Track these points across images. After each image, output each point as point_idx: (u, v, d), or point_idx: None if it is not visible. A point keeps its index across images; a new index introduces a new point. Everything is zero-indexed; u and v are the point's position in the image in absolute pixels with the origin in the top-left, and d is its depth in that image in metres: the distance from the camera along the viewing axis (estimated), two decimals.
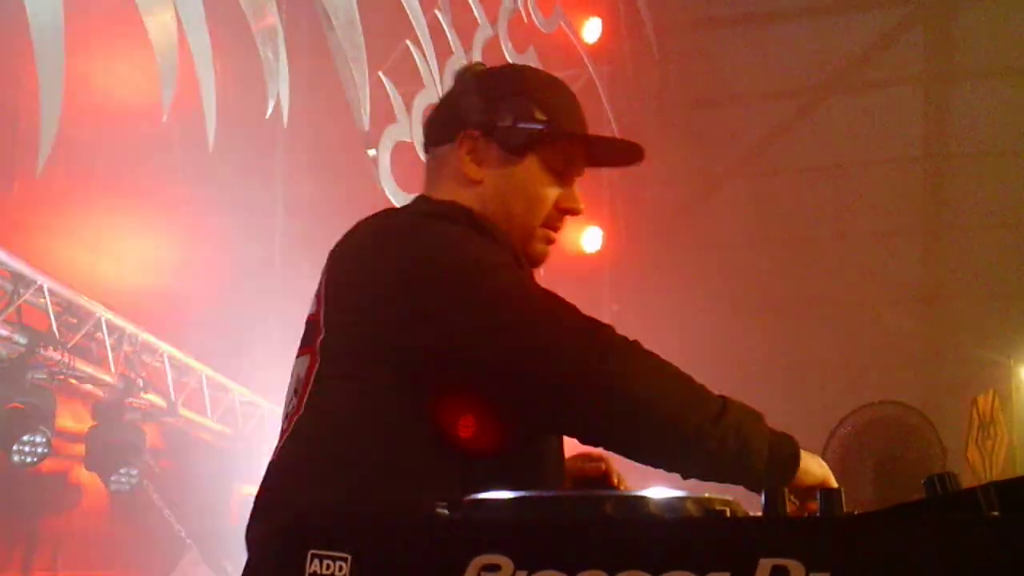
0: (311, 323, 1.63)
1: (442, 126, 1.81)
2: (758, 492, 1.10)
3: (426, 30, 6.16)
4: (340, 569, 1.00)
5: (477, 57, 6.58)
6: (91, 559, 5.74)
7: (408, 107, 5.86)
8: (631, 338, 1.47)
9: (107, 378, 5.38)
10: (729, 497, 1.05)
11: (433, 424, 1.48)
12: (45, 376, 5.03)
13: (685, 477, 1.46)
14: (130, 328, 5.49)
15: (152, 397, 5.65)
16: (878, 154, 8.14)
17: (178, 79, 4.94)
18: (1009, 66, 7.80)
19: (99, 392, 5.49)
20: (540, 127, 1.73)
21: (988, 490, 0.96)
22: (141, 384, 5.54)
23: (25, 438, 4.77)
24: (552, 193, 1.77)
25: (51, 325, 4.95)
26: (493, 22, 6.74)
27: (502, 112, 1.74)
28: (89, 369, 5.23)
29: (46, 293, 4.92)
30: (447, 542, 1.00)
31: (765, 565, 0.90)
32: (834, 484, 1.51)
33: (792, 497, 1.48)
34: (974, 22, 7.94)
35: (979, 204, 7.79)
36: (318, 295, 1.64)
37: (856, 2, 8.34)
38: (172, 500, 5.79)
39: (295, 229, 7.17)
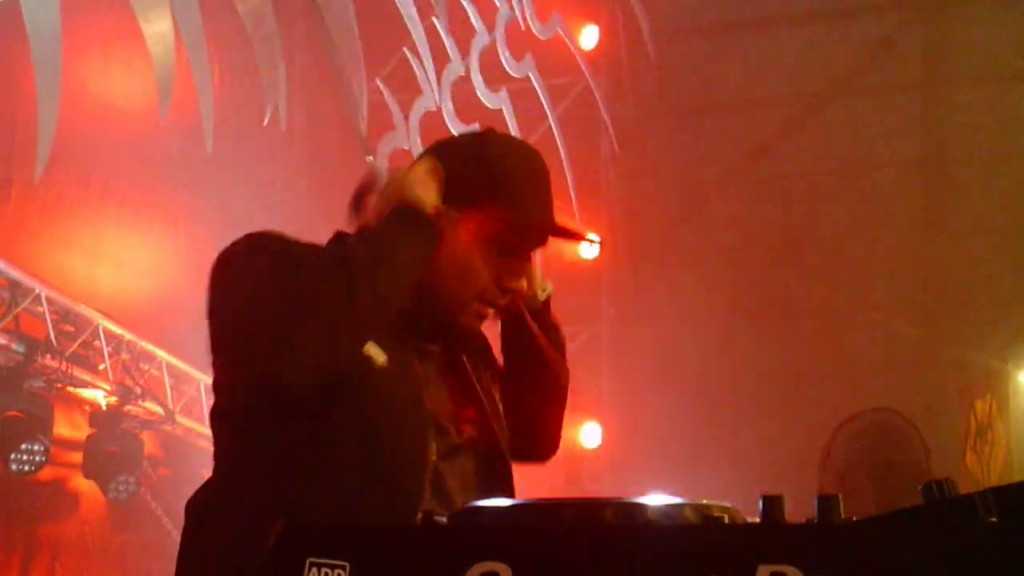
0: None
1: None
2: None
3: (424, 37, 6.17)
4: None
5: (475, 64, 6.59)
6: (89, 567, 5.72)
7: (406, 114, 5.87)
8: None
9: (105, 386, 5.37)
10: (728, 504, 1.05)
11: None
12: (43, 384, 5.02)
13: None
14: (128, 336, 5.48)
15: (150, 405, 5.63)
16: (875, 160, 8.15)
17: (176, 87, 4.94)
18: (1006, 72, 7.81)
19: (97, 400, 5.48)
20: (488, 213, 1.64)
21: (986, 496, 0.96)
22: (139, 392, 5.52)
23: (23, 446, 4.76)
24: (489, 267, 1.67)
25: (49, 333, 4.94)
26: (491, 29, 6.74)
27: (455, 187, 1.65)
28: (87, 377, 5.22)
29: (43, 301, 4.90)
30: (446, 549, 1.00)
31: (764, 572, 0.90)
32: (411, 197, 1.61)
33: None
34: (970, 28, 7.95)
35: (976, 209, 7.79)
36: None
37: (852, 9, 8.35)
38: (170, 508, 5.76)
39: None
